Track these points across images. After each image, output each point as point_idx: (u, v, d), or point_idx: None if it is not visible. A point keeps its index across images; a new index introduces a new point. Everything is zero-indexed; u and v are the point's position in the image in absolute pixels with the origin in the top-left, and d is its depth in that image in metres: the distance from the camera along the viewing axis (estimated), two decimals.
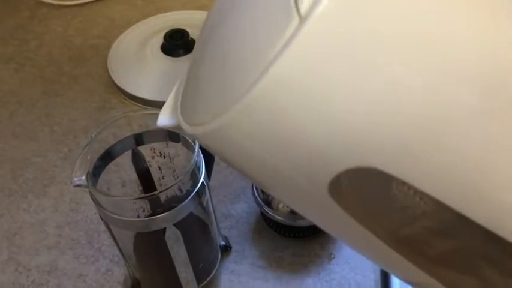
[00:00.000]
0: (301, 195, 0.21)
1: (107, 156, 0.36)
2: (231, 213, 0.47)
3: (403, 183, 0.18)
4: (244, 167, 0.21)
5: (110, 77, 0.59)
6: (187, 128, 0.21)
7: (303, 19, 0.16)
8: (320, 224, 0.24)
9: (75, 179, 0.32)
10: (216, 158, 0.45)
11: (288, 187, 0.21)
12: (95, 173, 0.35)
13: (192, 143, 0.35)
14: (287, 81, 0.17)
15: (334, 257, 0.43)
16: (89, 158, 0.34)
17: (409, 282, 0.25)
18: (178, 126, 0.22)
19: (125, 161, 0.38)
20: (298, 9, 0.16)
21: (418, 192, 0.18)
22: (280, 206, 0.43)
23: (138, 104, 0.57)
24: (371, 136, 0.17)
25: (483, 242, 0.19)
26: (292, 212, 0.42)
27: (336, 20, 0.16)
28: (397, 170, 0.18)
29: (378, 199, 0.20)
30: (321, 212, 0.22)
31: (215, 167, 0.46)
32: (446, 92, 0.17)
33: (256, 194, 0.44)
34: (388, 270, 0.26)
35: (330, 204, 0.20)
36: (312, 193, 0.20)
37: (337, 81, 0.17)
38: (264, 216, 0.46)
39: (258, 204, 0.44)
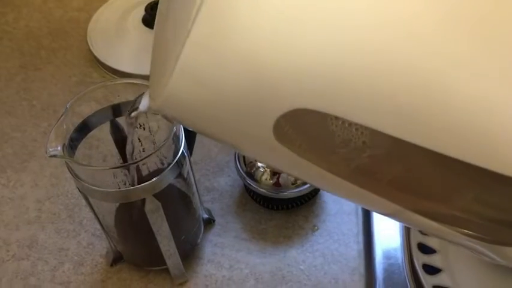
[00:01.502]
0: (255, 145, 0.23)
1: (84, 128, 0.35)
2: (214, 187, 0.46)
3: (336, 118, 0.20)
4: (203, 126, 0.23)
5: (90, 50, 0.58)
6: (151, 104, 0.24)
7: None
8: (285, 170, 0.27)
9: (50, 149, 0.31)
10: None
11: (243, 141, 0.23)
12: (72, 144, 0.34)
13: None
14: (205, 41, 0.19)
15: (317, 229, 0.43)
16: (65, 128, 0.33)
17: (383, 214, 0.26)
18: (151, 109, 0.25)
19: (105, 135, 0.37)
20: None
21: (352, 124, 0.20)
22: (264, 178, 0.42)
23: (119, 78, 0.56)
24: (295, 77, 0.19)
25: (428, 162, 0.20)
26: (275, 185, 0.42)
27: None
28: (326, 106, 0.19)
29: (320, 137, 0.21)
30: (278, 158, 0.23)
31: (198, 142, 0.46)
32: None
33: (239, 167, 0.43)
34: (360, 205, 0.28)
35: (281, 149, 0.22)
36: (263, 141, 0.22)
37: (256, 26, 0.18)
38: (247, 189, 0.45)
39: (241, 177, 0.43)
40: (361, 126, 0.20)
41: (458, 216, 0.22)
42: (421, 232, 0.53)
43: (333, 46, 0.18)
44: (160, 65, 0.22)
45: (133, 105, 0.29)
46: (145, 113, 0.29)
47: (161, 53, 0.23)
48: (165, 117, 0.27)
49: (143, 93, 0.28)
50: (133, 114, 0.29)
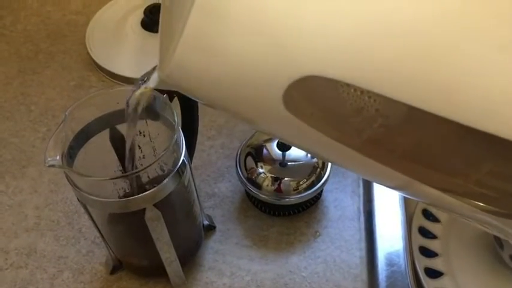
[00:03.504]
0: (264, 115, 0.22)
1: (83, 135, 0.34)
2: (215, 193, 0.46)
3: (348, 85, 0.19)
4: (211, 95, 0.23)
5: (88, 54, 0.57)
6: (160, 75, 0.23)
7: None
8: (294, 142, 0.26)
9: (49, 159, 0.30)
10: (199, 138, 0.44)
11: (252, 110, 0.22)
12: (71, 153, 0.33)
13: (172, 121, 0.34)
14: (213, 4, 0.19)
15: (319, 235, 0.43)
16: (63, 136, 0.32)
17: (391, 187, 0.26)
18: (161, 82, 0.25)
19: (103, 140, 0.36)
20: None
21: (364, 92, 0.19)
22: (265, 184, 0.42)
23: (118, 82, 0.55)
24: (308, 42, 0.19)
25: (443, 132, 0.20)
26: (277, 191, 0.42)
27: None
28: (339, 72, 0.19)
29: (331, 106, 0.21)
30: (288, 129, 0.23)
31: (199, 146, 0.45)
32: None
33: (240, 173, 0.43)
34: (368, 177, 0.28)
35: (291, 119, 0.21)
36: (273, 110, 0.21)
37: None
38: (248, 195, 0.45)
39: (242, 182, 0.43)
40: (374, 93, 0.19)
41: (473, 188, 0.22)
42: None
43: (347, 9, 0.18)
44: (169, 35, 0.22)
45: (141, 80, 0.28)
46: (153, 91, 0.28)
47: (169, 22, 0.23)
48: (174, 89, 0.27)
49: (150, 71, 0.27)
50: (140, 90, 0.28)
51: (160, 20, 0.26)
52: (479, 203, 0.23)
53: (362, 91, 0.19)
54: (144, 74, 0.28)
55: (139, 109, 0.30)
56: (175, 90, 0.26)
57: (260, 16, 0.18)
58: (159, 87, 0.28)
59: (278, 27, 0.19)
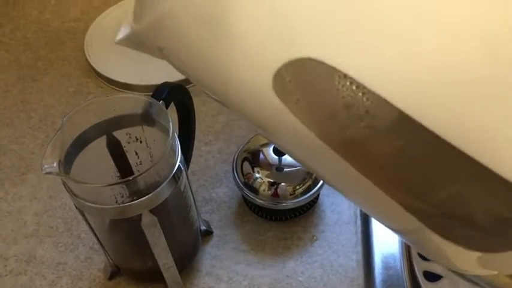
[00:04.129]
0: (247, 94, 0.21)
1: (81, 142, 0.35)
2: (212, 198, 0.46)
3: (345, 76, 0.18)
4: (192, 65, 0.21)
5: (87, 61, 0.58)
6: (135, 27, 0.21)
7: None
8: (269, 130, 0.24)
9: (46, 166, 0.31)
10: (196, 144, 0.44)
11: (236, 87, 0.21)
12: (68, 159, 0.34)
13: (167, 127, 0.34)
14: None
15: (316, 240, 0.43)
16: (60, 143, 0.33)
17: (366, 210, 0.25)
18: (133, 34, 0.22)
19: (100, 147, 0.37)
20: None
21: (360, 87, 0.18)
22: (262, 189, 0.42)
23: (117, 88, 0.56)
24: (312, 24, 0.17)
25: (425, 146, 0.19)
26: (274, 195, 0.42)
27: None
28: (340, 61, 0.18)
29: (322, 95, 0.19)
30: (268, 113, 0.21)
31: (196, 152, 0.46)
32: None
33: (237, 178, 0.43)
34: (335, 184, 0.26)
35: (275, 102, 0.20)
36: (259, 90, 0.20)
37: None
38: (245, 200, 0.45)
39: (239, 188, 0.43)
40: (370, 91, 0.18)
41: (431, 209, 0.21)
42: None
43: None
44: None
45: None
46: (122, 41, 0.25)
47: None
48: (138, 48, 0.24)
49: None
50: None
51: None
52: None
53: (358, 86, 0.18)
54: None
55: None
56: (141, 49, 0.23)
57: None
58: (122, 42, 0.25)
59: (280, 4, 0.17)
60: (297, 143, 0.23)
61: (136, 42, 0.24)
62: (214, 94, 0.23)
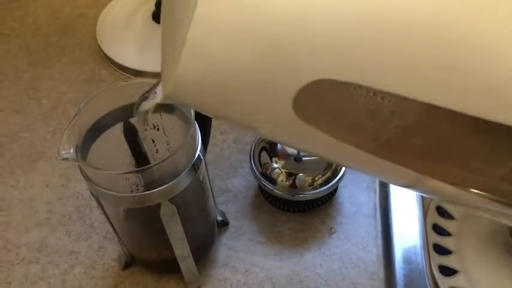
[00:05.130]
0: (274, 124, 0.22)
1: (97, 129, 0.34)
2: (228, 188, 0.45)
3: (360, 87, 0.19)
4: (217, 108, 0.22)
5: (99, 47, 0.57)
6: (164, 91, 0.22)
7: None
8: (308, 149, 0.25)
9: (63, 152, 0.30)
10: (211, 133, 0.43)
11: (261, 121, 0.22)
12: (85, 146, 0.33)
13: (187, 115, 0.33)
14: (213, 17, 0.18)
15: (334, 232, 0.42)
16: (77, 130, 0.32)
17: (402, 186, 0.25)
18: (164, 98, 0.24)
19: (116, 133, 0.36)
20: None
21: (377, 92, 0.19)
22: (280, 180, 0.41)
23: (129, 75, 0.55)
24: (313, 46, 0.18)
25: (460, 128, 0.19)
26: (292, 186, 0.41)
27: None
28: (349, 74, 0.18)
29: (344, 109, 0.20)
30: (300, 136, 0.22)
31: (211, 141, 0.45)
32: None
33: (254, 168, 0.42)
34: (382, 179, 0.27)
35: (303, 126, 0.20)
36: (283, 119, 0.21)
37: None
38: (262, 191, 0.44)
39: (256, 178, 0.42)
40: (388, 93, 0.18)
41: (494, 183, 0.21)
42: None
43: (353, 8, 0.17)
44: (170, 49, 0.21)
45: (143, 97, 0.27)
46: (156, 105, 0.27)
47: (170, 37, 0.22)
48: (179, 104, 0.26)
49: (154, 85, 0.27)
50: (144, 106, 0.27)
51: (161, 38, 0.25)
52: (499, 198, 0.23)
53: (375, 92, 0.19)
54: (148, 90, 0.28)
55: (145, 119, 0.29)
56: (182, 104, 0.25)
57: (263, 22, 0.18)
58: (163, 102, 0.27)
59: (282, 32, 0.18)
60: (332, 153, 0.23)
61: (172, 102, 0.26)
62: (243, 127, 0.24)
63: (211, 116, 0.24)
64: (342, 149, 0.22)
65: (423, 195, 0.27)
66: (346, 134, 0.21)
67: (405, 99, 0.18)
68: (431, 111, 0.19)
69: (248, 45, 0.18)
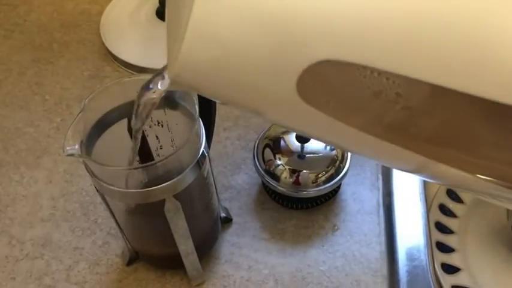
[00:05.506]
0: (279, 107, 0.21)
1: (101, 125, 0.34)
2: (232, 185, 0.45)
3: (364, 67, 0.18)
4: (221, 91, 0.22)
5: (103, 43, 0.57)
6: (169, 75, 0.22)
7: None
8: (312, 133, 0.25)
9: (68, 148, 0.30)
10: (215, 130, 0.43)
11: (265, 103, 0.21)
12: (89, 142, 0.33)
13: (192, 111, 0.33)
14: None
15: (338, 229, 0.42)
16: (82, 126, 0.32)
17: (408, 171, 0.25)
18: (172, 81, 0.23)
19: (121, 130, 0.36)
20: None
21: (382, 73, 0.18)
22: (283, 176, 0.41)
23: (133, 72, 0.55)
24: (318, 26, 0.18)
25: (468, 110, 0.19)
26: (295, 183, 0.41)
27: None
28: (353, 55, 0.18)
29: (348, 91, 0.20)
30: (304, 119, 0.22)
31: (214, 138, 0.45)
32: None
33: (257, 165, 0.42)
34: (387, 164, 0.27)
35: (307, 109, 0.20)
36: (287, 101, 0.20)
37: None
38: (265, 187, 0.44)
39: (259, 174, 0.42)
40: (392, 74, 0.18)
41: (502, 168, 0.21)
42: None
43: None
44: (175, 33, 0.21)
45: (146, 85, 0.27)
46: (160, 101, 0.27)
47: (174, 21, 0.22)
48: (184, 89, 0.25)
49: (156, 74, 0.26)
50: (150, 95, 0.27)
51: (166, 23, 0.25)
52: (507, 183, 0.22)
53: (379, 73, 0.18)
54: (151, 78, 0.27)
55: (148, 113, 0.29)
56: (187, 90, 0.25)
57: (268, 1, 0.18)
58: (170, 89, 0.27)
59: (286, 11, 0.18)
60: (337, 137, 0.23)
61: (177, 87, 0.25)
62: (248, 111, 0.24)
63: (216, 101, 0.24)
64: (347, 133, 0.21)
65: (428, 180, 0.26)
66: (351, 117, 0.21)
67: (410, 80, 0.18)
68: (437, 92, 0.18)
69: (253, 24, 0.18)
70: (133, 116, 0.29)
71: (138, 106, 0.28)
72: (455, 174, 0.22)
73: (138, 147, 0.31)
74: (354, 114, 0.20)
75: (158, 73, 0.27)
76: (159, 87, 0.26)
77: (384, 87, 0.19)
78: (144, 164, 0.31)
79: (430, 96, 0.19)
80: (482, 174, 0.22)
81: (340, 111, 0.20)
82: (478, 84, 0.18)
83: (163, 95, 0.27)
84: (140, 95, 0.28)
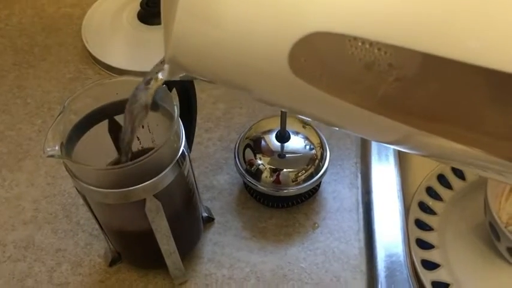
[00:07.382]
0: (271, 83, 0.22)
1: (82, 126, 0.34)
2: (214, 185, 0.46)
3: (355, 38, 0.18)
4: (214, 69, 0.22)
5: (84, 46, 0.57)
6: (166, 57, 0.23)
7: None
8: (304, 110, 0.24)
9: (48, 149, 0.30)
10: (196, 131, 0.43)
11: (257, 80, 0.21)
12: (70, 143, 0.33)
13: (172, 112, 0.34)
14: None
15: (318, 226, 0.43)
16: (62, 127, 0.32)
17: (392, 142, 0.25)
18: (170, 61, 0.24)
19: (102, 131, 0.36)
20: None
21: (373, 43, 0.18)
22: (264, 176, 0.42)
23: (115, 75, 0.55)
24: (309, 0, 0.18)
25: (461, 80, 0.18)
26: (275, 182, 0.42)
27: None
28: (342, 25, 0.18)
29: (340, 64, 0.19)
30: (297, 95, 0.22)
31: (196, 139, 0.45)
32: None
33: (238, 165, 0.43)
34: (379, 140, 0.26)
35: (299, 84, 0.20)
36: (279, 77, 0.20)
37: None
38: (247, 187, 0.45)
39: (241, 174, 0.43)
40: (383, 44, 0.18)
41: (491, 134, 0.20)
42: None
43: None
44: (168, 16, 0.22)
45: (148, 78, 0.28)
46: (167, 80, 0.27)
47: (168, 7, 0.22)
48: (182, 73, 0.26)
49: (154, 67, 0.27)
50: (154, 84, 0.28)
51: (161, 10, 0.25)
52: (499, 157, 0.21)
53: (371, 43, 0.18)
54: (151, 70, 0.28)
55: (148, 105, 0.29)
56: (184, 74, 0.25)
57: None
58: (169, 77, 0.27)
59: None
60: (328, 112, 0.23)
61: (177, 73, 0.25)
62: (239, 90, 0.24)
63: (206, 80, 0.24)
64: (341, 108, 0.21)
65: (407, 151, 0.26)
66: (343, 91, 0.20)
67: (402, 50, 0.18)
68: (429, 62, 0.18)
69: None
70: (124, 127, 0.30)
71: (131, 112, 0.29)
72: (443, 144, 0.21)
73: (129, 156, 0.32)
74: (347, 88, 0.20)
75: (155, 67, 0.27)
76: (160, 76, 0.27)
77: (375, 58, 0.18)
78: (124, 164, 0.31)
79: (423, 66, 0.18)
80: (474, 147, 0.21)
81: (332, 85, 0.20)
82: (472, 51, 0.17)
83: (153, 95, 0.28)
84: (134, 95, 0.28)
